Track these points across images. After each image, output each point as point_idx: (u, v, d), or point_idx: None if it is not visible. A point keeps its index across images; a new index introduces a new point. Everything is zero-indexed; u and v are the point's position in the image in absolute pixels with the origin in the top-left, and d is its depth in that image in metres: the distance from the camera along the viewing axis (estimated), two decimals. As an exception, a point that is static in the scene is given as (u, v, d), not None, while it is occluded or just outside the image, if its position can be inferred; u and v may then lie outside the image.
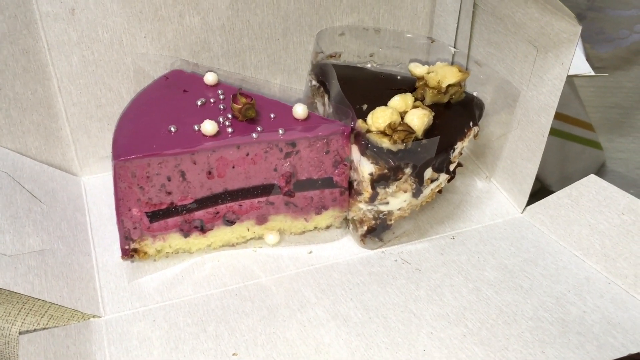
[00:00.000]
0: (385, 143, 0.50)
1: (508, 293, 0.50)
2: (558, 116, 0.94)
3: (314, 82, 0.60)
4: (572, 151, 0.94)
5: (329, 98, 0.57)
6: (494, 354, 0.44)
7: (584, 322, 0.46)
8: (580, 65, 0.75)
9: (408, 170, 0.51)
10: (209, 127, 0.50)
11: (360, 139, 0.51)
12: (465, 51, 0.61)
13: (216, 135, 0.50)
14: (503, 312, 0.48)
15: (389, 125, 0.50)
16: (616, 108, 0.94)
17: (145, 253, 0.53)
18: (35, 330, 0.45)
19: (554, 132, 0.94)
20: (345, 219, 0.58)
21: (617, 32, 0.87)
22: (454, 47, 0.62)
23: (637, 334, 0.45)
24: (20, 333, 0.44)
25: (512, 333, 0.46)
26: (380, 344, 0.46)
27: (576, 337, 0.45)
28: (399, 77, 0.58)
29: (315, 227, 0.57)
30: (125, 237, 0.52)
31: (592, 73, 0.71)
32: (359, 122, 0.51)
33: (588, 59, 0.82)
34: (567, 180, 0.61)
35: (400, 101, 0.52)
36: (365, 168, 0.51)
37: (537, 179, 0.60)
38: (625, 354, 0.43)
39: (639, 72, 0.89)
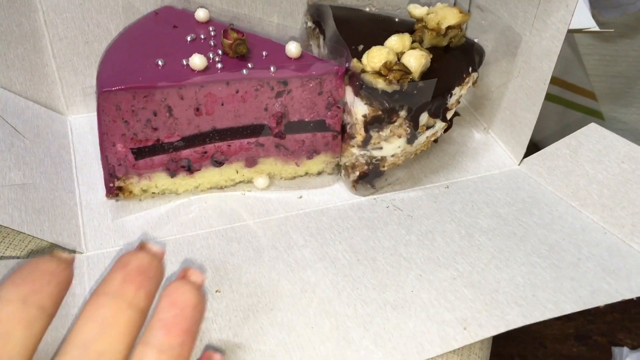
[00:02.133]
0: (380, 83, 0.48)
1: (501, 240, 0.48)
2: (560, 83, 0.93)
3: (309, 23, 0.58)
4: (573, 119, 0.92)
5: (324, 39, 0.55)
6: (484, 296, 0.43)
7: (578, 269, 0.45)
8: (585, 21, 0.73)
9: (403, 113, 0.50)
10: (197, 61, 0.48)
11: (354, 79, 0.50)
12: (467, -4, 0.59)
13: (205, 70, 0.48)
14: (495, 257, 0.47)
15: (385, 65, 0.48)
16: (620, 77, 0.92)
17: (131, 192, 0.52)
18: (16, 257, 0.44)
19: (555, 99, 0.93)
20: (337, 165, 0.56)
21: (626, -3, 0.85)
22: (456, -8, 0.60)
23: (632, 281, 0.44)
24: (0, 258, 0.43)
25: (503, 277, 0.45)
26: (367, 284, 0.44)
27: (569, 283, 0.44)
28: (397, 20, 0.56)
29: (306, 173, 0.56)
30: (110, 174, 0.50)
31: (597, 28, 0.69)
32: (354, 61, 0.49)
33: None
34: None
35: (397, 41, 0.50)
36: (359, 109, 0.50)
37: (535, 146, 0.58)
38: (619, 299, 0.42)
39: None
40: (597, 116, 0.93)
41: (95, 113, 0.55)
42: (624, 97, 0.93)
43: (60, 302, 0.29)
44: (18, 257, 0.45)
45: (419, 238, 0.49)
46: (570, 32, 0.60)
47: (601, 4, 0.83)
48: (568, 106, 0.93)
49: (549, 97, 0.88)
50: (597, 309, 0.42)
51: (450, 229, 0.50)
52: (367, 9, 0.59)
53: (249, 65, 0.49)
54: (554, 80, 0.91)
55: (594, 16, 0.84)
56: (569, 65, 0.91)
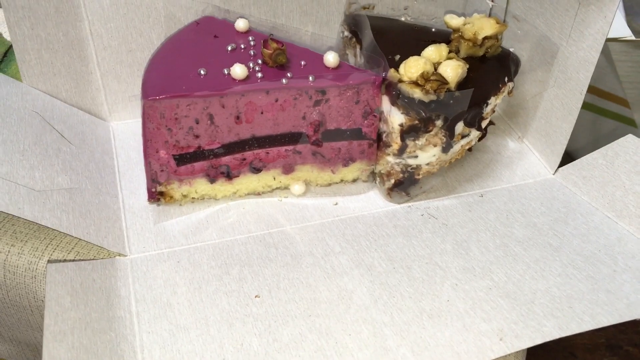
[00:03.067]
0: (417, 93, 0.49)
1: (536, 250, 0.49)
2: (593, 90, 0.92)
3: (346, 33, 0.59)
4: (605, 127, 0.91)
5: (360, 49, 0.56)
6: (520, 307, 0.43)
7: (614, 281, 0.45)
8: (620, 29, 0.73)
9: (439, 123, 0.50)
10: (238, 70, 0.49)
11: (391, 88, 0.50)
12: (504, 5, 0.59)
13: (246, 80, 0.49)
14: (531, 267, 0.47)
15: (422, 75, 0.49)
16: None
17: (172, 197, 0.53)
18: (64, 260, 0.46)
19: (587, 106, 0.92)
20: (373, 173, 0.57)
21: (660, 2, 0.84)
22: (492, 1, 0.60)
23: (669, 294, 0.44)
24: (49, 262, 0.44)
25: (539, 288, 0.45)
26: (403, 292, 0.45)
27: (605, 295, 0.44)
28: (433, 30, 0.57)
29: (342, 180, 0.57)
30: (152, 180, 0.52)
31: (633, 37, 0.68)
32: (391, 71, 0.50)
33: (624, 32, 0.79)
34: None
35: (434, 51, 0.51)
36: (396, 118, 0.50)
37: (567, 154, 0.58)
38: (656, 312, 0.42)
39: None
40: (629, 123, 0.91)
41: (137, 119, 0.57)
42: None
43: None
44: (64, 260, 0.47)
45: (454, 247, 0.49)
46: (607, 40, 0.60)
47: (634, 11, 0.83)
48: (600, 113, 0.92)
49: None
50: (629, 319, 0.42)
51: (485, 238, 0.50)
52: (403, 19, 0.60)
53: (288, 74, 0.50)
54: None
55: (628, 23, 0.84)
56: (602, 72, 0.90)
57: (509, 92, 0.55)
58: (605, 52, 0.87)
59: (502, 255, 0.48)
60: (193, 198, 0.54)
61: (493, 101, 0.53)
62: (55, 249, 0.49)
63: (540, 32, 0.56)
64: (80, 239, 0.48)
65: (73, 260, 0.46)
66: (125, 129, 0.62)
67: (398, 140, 0.51)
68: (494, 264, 0.47)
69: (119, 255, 0.49)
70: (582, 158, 0.55)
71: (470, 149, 0.58)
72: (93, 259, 0.47)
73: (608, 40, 0.60)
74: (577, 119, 0.53)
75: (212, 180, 0.53)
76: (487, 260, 0.48)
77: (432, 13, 0.60)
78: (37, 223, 0.45)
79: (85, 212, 0.49)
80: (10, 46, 0.63)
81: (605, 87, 0.90)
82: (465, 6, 0.61)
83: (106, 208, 0.52)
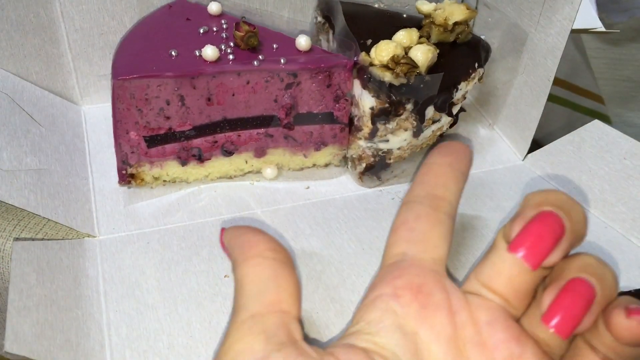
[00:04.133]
0: (388, 77, 0.49)
1: (503, 232, 0.49)
2: (568, 86, 0.93)
3: (319, 18, 0.59)
4: (580, 123, 0.93)
5: (333, 34, 0.56)
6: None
7: (578, 261, 0.46)
8: (591, 21, 0.73)
9: (409, 106, 0.51)
10: (210, 52, 0.49)
11: (362, 72, 0.51)
12: (475, -7, 0.60)
13: (217, 61, 0.49)
14: (497, 248, 0.47)
15: (392, 59, 0.49)
16: (627, 81, 0.93)
17: (142, 179, 0.53)
18: (31, 239, 0.45)
19: (562, 101, 0.93)
20: (344, 158, 0.57)
21: (633, 1, 0.85)
22: (463, -11, 0.61)
23: (632, 274, 0.45)
24: (15, 239, 0.44)
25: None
26: (371, 272, 0.46)
27: (569, 275, 0.45)
28: (405, 16, 0.57)
29: (314, 164, 0.57)
30: (123, 162, 0.52)
31: (603, 29, 0.69)
32: (362, 54, 0.51)
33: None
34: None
35: (405, 36, 0.51)
36: (367, 102, 0.51)
37: (541, 146, 0.59)
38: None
39: None
40: (604, 119, 0.93)
41: (109, 103, 0.56)
42: (631, 100, 0.93)
43: (469, 171, 0.35)
44: (32, 239, 0.46)
45: (423, 229, 0.50)
46: (577, 32, 0.60)
47: (609, 8, 0.84)
48: (575, 109, 0.94)
49: (556, 100, 0.89)
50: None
51: (454, 221, 0.51)
52: (376, 5, 0.60)
53: (260, 57, 0.50)
54: (561, 83, 0.91)
55: (602, 20, 0.85)
56: (577, 68, 0.91)
57: (480, 79, 0.56)
58: (580, 49, 0.88)
59: (470, 237, 0.49)
60: (164, 181, 0.54)
61: (464, 87, 0.54)
62: (23, 229, 0.48)
63: (510, 20, 0.56)
64: (48, 220, 0.48)
65: (41, 240, 0.46)
66: (96, 113, 0.61)
67: (369, 123, 0.52)
68: (462, 245, 0.48)
69: (88, 236, 0.48)
70: (550, 144, 0.56)
71: (441, 135, 0.58)
72: (62, 239, 0.47)
73: (578, 31, 0.61)
74: (551, 113, 0.54)
75: (184, 162, 0.53)
76: (454, 242, 0.48)
77: (405, 0, 0.61)
78: (4, 202, 0.44)
79: (54, 193, 0.49)
80: (-20, 29, 0.63)
81: (580, 83, 0.91)
82: (438, -6, 0.62)
83: (76, 190, 0.51)
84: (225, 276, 0.45)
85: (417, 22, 0.56)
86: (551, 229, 0.30)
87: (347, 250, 0.48)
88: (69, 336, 0.38)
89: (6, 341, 0.34)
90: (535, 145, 0.58)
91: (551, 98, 0.88)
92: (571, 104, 0.93)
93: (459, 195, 0.34)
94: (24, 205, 0.45)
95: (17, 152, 0.49)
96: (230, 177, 0.56)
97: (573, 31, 0.57)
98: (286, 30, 0.56)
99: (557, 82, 0.89)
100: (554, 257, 0.30)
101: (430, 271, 0.32)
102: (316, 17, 0.59)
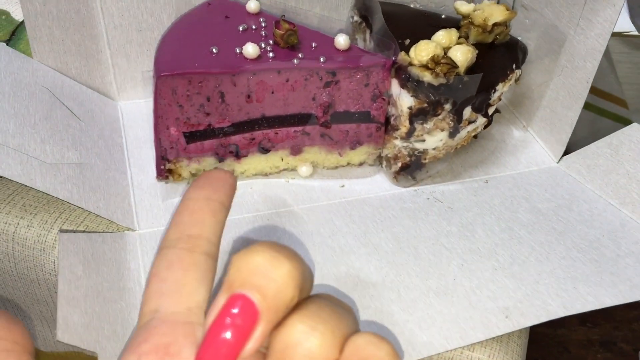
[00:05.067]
0: (427, 76, 0.49)
1: (541, 234, 0.49)
2: (592, 90, 0.93)
3: (356, 18, 0.59)
4: (603, 127, 0.92)
5: (370, 33, 0.57)
6: (525, 287, 0.44)
7: (618, 264, 0.46)
8: (624, 25, 0.73)
9: (447, 107, 0.51)
10: (250, 49, 0.50)
11: (401, 72, 0.51)
12: (512, -5, 0.60)
13: (257, 59, 0.50)
14: (535, 250, 0.48)
15: (432, 58, 0.49)
16: None
17: (180, 175, 0.54)
18: (75, 231, 0.46)
19: (586, 105, 0.93)
20: (379, 157, 0.57)
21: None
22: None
23: (672, 277, 0.45)
24: (60, 231, 0.45)
25: (544, 269, 0.46)
26: (410, 271, 0.46)
27: (609, 277, 0.45)
28: (443, 16, 0.57)
29: (349, 163, 0.57)
30: (162, 157, 0.52)
31: (636, 32, 0.69)
32: (401, 54, 0.51)
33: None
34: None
35: (444, 36, 0.51)
36: (405, 101, 0.51)
37: (565, 150, 0.59)
38: (658, 294, 0.43)
39: None
40: (627, 124, 0.92)
41: (145, 99, 0.57)
42: None
43: (232, 200, 0.35)
44: (75, 231, 0.47)
45: (459, 229, 0.50)
46: (606, 50, 0.60)
47: (637, 11, 0.83)
48: (599, 113, 0.93)
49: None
50: (623, 316, 0.43)
51: (490, 222, 0.51)
52: (412, 6, 0.61)
53: (300, 55, 0.50)
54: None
55: (632, 21, 0.84)
56: (602, 72, 0.91)
57: (516, 80, 0.56)
58: (606, 53, 0.88)
59: (507, 238, 0.49)
60: (201, 177, 0.55)
61: (500, 88, 0.54)
62: (64, 222, 0.49)
63: (548, 21, 0.56)
64: (89, 213, 0.48)
65: (84, 232, 0.46)
66: (133, 109, 0.62)
67: (406, 123, 0.52)
68: (499, 246, 0.48)
69: (128, 230, 0.49)
70: (586, 147, 0.56)
71: (475, 136, 0.58)
72: (103, 232, 0.47)
73: (613, 34, 0.61)
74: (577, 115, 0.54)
75: (221, 159, 0.54)
76: (492, 242, 0.48)
77: (441, 1, 0.61)
78: (48, 194, 0.45)
79: (95, 187, 0.50)
80: (19, 25, 0.63)
81: (604, 87, 0.91)
82: (474, -5, 0.62)
83: (115, 184, 0.52)
84: (264, 272, 0.46)
85: (455, 22, 0.56)
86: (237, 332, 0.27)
87: (385, 249, 0.48)
88: (115, 327, 0.39)
89: (58, 330, 0.34)
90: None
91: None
92: (595, 107, 0.92)
93: (219, 229, 0.33)
94: (67, 198, 0.46)
95: (59, 146, 0.50)
96: (266, 174, 0.56)
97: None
98: (323, 29, 0.57)
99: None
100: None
101: (182, 325, 0.29)
102: (353, 17, 0.59)
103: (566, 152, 0.58)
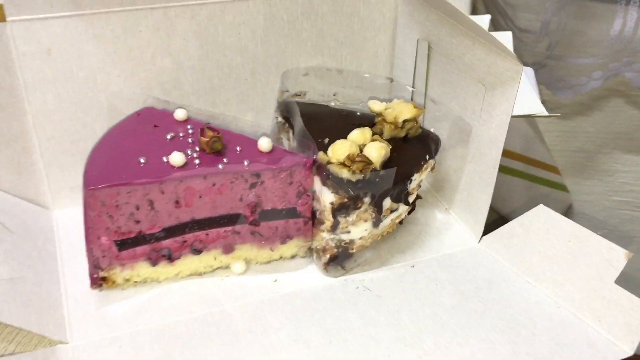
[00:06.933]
0: (345, 173, 0.52)
1: (463, 317, 0.52)
2: (524, 159, 0.98)
3: (279, 119, 0.63)
4: (539, 194, 0.97)
5: (293, 133, 0.60)
6: (448, 373, 0.46)
7: (533, 343, 0.49)
8: (535, 107, 0.79)
9: (367, 200, 0.54)
10: (176, 158, 0.52)
11: (321, 170, 0.54)
12: (423, 90, 0.65)
13: (184, 166, 0.52)
14: (457, 334, 0.50)
15: (348, 157, 0.53)
16: (580, 152, 0.97)
17: (114, 282, 0.55)
18: (1, 356, 0.46)
19: (521, 174, 0.98)
20: (310, 249, 0.60)
21: (577, 79, 0.91)
22: (412, 87, 0.66)
23: (583, 353, 0.47)
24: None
25: (465, 354, 0.48)
26: (338, 365, 0.47)
27: (525, 357, 0.47)
28: (358, 114, 0.61)
29: (281, 257, 0.59)
30: (94, 266, 0.53)
31: (546, 113, 0.75)
32: (320, 154, 0.54)
33: (549, 105, 0.85)
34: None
35: (359, 135, 0.55)
36: (327, 197, 0.54)
37: (504, 219, 0.62)
38: (570, 371, 0.45)
39: (599, 117, 0.92)
40: (561, 189, 0.96)
41: (80, 207, 0.58)
42: (586, 169, 0.98)
43: None
44: (2, 355, 0.47)
45: (386, 317, 0.52)
46: (522, 117, 0.65)
47: (555, 86, 0.90)
48: (533, 181, 0.98)
49: (514, 173, 0.93)
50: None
51: (416, 307, 0.53)
52: (333, 104, 0.65)
53: (224, 160, 0.53)
54: (518, 157, 0.95)
55: (549, 97, 0.90)
56: (531, 142, 0.96)
57: (432, 169, 0.59)
58: (533, 124, 0.93)
59: (431, 323, 0.51)
60: (135, 282, 0.56)
61: (417, 177, 0.57)
62: (-5, 339, 0.49)
63: (455, 114, 0.61)
64: (21, 329, 0.49)
65: (12, 354, 0.46)
66: (68, 216, 0.63)
67: (330, 217, 0.55)
68: (424, 332, 0.50)
69: (60, 343, 0.49)
70: (502, 227, 0.60)
71: (401, 222, 0.61)
72: (34, 350, 0.47)
73: (522, 116, 0.65)
74: (511, 186, 0.57)
75: (154, 263, 0.55)
76: (417, 328, 0.51)
77: (360, 98, 0.65)
78: (-24, 315, 0.45)
79: (27, 301, 0.50)
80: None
81: (535, 156, 0.96)
82: (390, 91, 0.66)
83: (48, 296, 0.53)
84: (196, 376, 0.47)
85: (371, 119, 0.60)
86: None
87: (315, 343, 0.50)
88: None
89: None
90: (503, 220, 0.61)
91: (511, 172, 0.92)
92: (530, 176, 0.97)
93: None
94: (-3, 317, 0.46)
95: (-10, 262, 0.51)
96: (200, 274, 0.58)
97: (519, 116, 0.61)
98: (249, 132, 0.60)
99: (514, 156, 0.93)
100: None
101: None
102: (277, 118, 0.63)
103: (502, 223, 0.61)
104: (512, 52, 0.51)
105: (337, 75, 0.66)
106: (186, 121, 0.59)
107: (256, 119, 0.67)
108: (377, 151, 0.53)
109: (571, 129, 0.95)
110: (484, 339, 0.49)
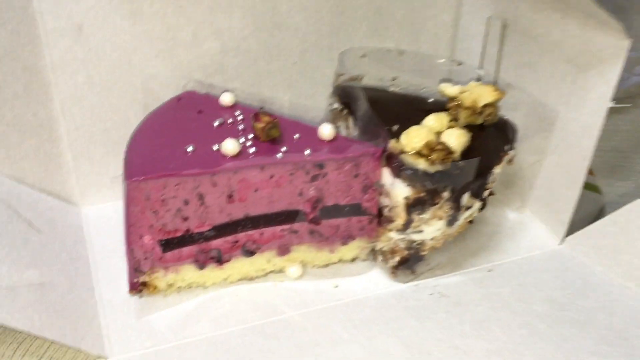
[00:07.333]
0: (422, 164, 0.46)
1: (562, 327, 0.45)
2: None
3: (336, 105, 0.56)
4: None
5: (354, 121, 0.54)
6: (561, 393, 0.39)
7: (653, 357, 0.42)
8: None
9: (446, 194, 0.47)
10: (230, 146, 0.45)
11: (393, 160, 0.47)
12: (493, 74, 0.58)
13: (238, 156, 0.46)
14: (560, 346, 0.43)
15: (427, 145, 0.46)
16: (614, 152, 0.93)
17: (155, 287, 0.48)
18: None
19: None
20: (372, 251, 0.53)
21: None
22: (481, 70, 0.59)
23: None
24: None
25: (576, 369, 0.41)
26: (428, 384, 0.41)
27: (647, 373, 0.41)
28: (430, 100, 0.55)
29: (340, 260, 0.53)
30: (135, 269, 0.47)
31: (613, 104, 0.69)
32: (392, 142, 0.48)
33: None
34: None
35: (435, 120, 0.49)
36: (400, 192, 0.47)
37: None
38: None
39: (635, 115, 0.87)
40: (594, 190, 0.92)
41: (111, 203, 0.52)
42: (619, 170, 0.93)
43: None
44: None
45: (473, 327, 0.45)
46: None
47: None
48: None
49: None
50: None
51: (505, 317, 0.46)
52: (392, 89, 0.58)
53: (283, 148, 0.47)
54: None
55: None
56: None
57: (510, 161, 0.53)
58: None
59: (527, 335, 0.44)
60: (179, 287, 0.49)
61: (496, 170, 0.51)
62: (24, 354, 0.42)
63: (535, 99, 0.55)
64: (52, 342, 0.42)
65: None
66: (97, 215, 0.56)
67: (403, 214, 0.48)
68: (521, 344, 0.43)
69: (99, 358, 0.42)
70: (589, 226, 0.53)
71: (471, 222, 0.55)
72: (70, 365, 0.41)
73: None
74: None
75: (202, 266, 0.48)
76: (512, 341, 0.44)
77: (421, 82, 0.59)
78: (4, 325, 0.39)
79: (59, 310, 0.43)
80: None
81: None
82: (453, 75, 0.60)
83: (82, 303, 0.46)
84: (262, 398, 0.40)
85: (442, 105, 0.53)
86: None
87: (395, 357, 0.43)
88: None
89: None
90: None
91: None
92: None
93: None
94: (28, 327, 0.40)
95: (18, 265, 0.44)
96: (252, 279, 0.51)
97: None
98: (303, 118, 0.54)
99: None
100: None
101: None
102: (332, 104, 0.57)
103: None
104: (616, 22, 0.45)
105: (397, 56, 0.59)
106: (233, 106, 0.52)
107: (304, 104, 0.60)
108: (457, 139, 0.47)
109: (605, 127, 0.91)
110: (594, 352, 0.42)
